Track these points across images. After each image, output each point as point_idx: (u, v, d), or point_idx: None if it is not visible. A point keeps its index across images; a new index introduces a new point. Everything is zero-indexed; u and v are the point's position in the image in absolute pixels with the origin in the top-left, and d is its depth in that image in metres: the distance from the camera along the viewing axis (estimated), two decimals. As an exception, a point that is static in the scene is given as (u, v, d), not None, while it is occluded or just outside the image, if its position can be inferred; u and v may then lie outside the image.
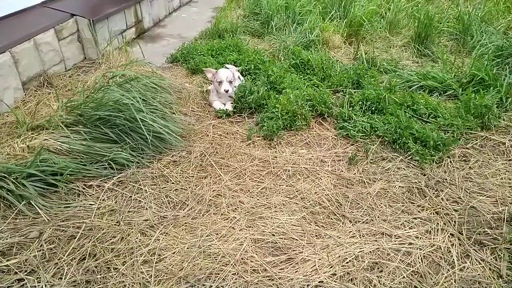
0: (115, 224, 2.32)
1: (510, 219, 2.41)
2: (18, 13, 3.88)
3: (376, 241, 2.28)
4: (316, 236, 2.31)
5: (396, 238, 2.30)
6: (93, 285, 1.96)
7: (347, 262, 2.14)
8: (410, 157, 2.96)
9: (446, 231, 2.36)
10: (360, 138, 3.17)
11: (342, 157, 3.00)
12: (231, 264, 2.10)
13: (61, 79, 3.80)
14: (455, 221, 2.42)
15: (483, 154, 3.03)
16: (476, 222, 2.41)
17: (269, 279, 2.03)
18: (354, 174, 2.82)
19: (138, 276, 2.01)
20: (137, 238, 2.24)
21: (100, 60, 4.19)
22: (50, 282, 1.96)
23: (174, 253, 2.16)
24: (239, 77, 3.75)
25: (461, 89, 3.78)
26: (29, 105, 3.31)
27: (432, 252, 2.21)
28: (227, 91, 3.43)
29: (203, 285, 1.99)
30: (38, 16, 3.96)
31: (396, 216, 2.47)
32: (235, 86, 3.56)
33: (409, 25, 5.49)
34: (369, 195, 2.63)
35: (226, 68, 3.80)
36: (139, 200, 2.52)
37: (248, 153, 3.00)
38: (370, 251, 2.21)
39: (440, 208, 2.52)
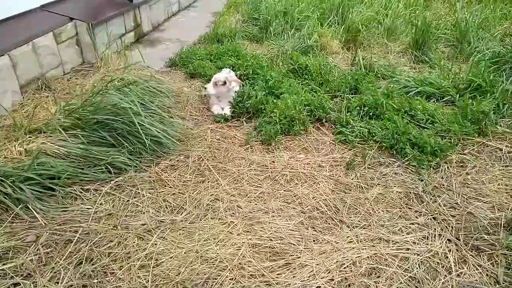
0: (112, 228, 2.31)
1: (507, 225, 2.42)
2: (17, 16, 3.88)
3: (373, 246, 2.28)
4: (313, 241, 2.31)
5: (394, 244, 2.30)
6: (89, 290, 1.95)
7: (344, 268, 2.13)
8: (408, 162, 2.97)
9: (443, 236, 2.36)
10: (358, 143, 3.18)
11: (340, 162, 3.01)
12: (229, 269, 2.09)
13: (59, 83, 3.80)
14: (452, 227, 2.42)
15: (480, 160, 3.04)
16: (473, 227, 2.41)
17: (266, 284, 2.03)
18: (352, 179, 2.83)
19: (135, 281, 2.00)
20: (134, 242, 2.23)
21: (98, 64, 4.19)
22: (47, 286, 1.95)
23: (171, 257, 2.15)
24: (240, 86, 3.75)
25: (458, 95, 3.80)
26: (27, 109, 3.31)
27: (430, 258, 2.22)
28: (205, 89, 3.52)
29: (200, 290, 1.98)
30: (37, 19, 3.97)
31: (393, 221, 2.47)
32: (235, 91, 3.57)
33: (407, 31, 5.52)
34: (366, 200, 2.63)
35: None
36: (137, 204, 2.52)
37: (246, 157, 3.00)
38: (367, 257, 2.20)
39: (437, 213, 2.53)
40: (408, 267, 2.15)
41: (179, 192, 2.64)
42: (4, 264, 2.03)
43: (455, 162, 3.00)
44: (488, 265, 2.18)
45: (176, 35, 5.57)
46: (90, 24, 4.09)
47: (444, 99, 3.86)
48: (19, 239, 2.19)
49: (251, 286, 2.01)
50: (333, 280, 2.06)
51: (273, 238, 2.31)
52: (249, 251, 2.21)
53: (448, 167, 2.94)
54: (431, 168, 2.92)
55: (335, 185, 2.77)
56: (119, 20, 4.71)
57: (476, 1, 6.58)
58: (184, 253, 2.18)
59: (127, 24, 4.93)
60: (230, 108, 3.54)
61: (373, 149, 3.11)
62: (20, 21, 3.85)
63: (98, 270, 2.05)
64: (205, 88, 3.47)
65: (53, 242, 2.19)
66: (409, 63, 4.82)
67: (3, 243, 2.15)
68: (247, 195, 2.64)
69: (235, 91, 3.57)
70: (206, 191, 2.66)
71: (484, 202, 2.63)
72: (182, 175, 2.80)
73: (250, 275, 2.07)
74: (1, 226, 2.26)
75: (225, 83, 3.49)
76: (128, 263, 2.10)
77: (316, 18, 5.54)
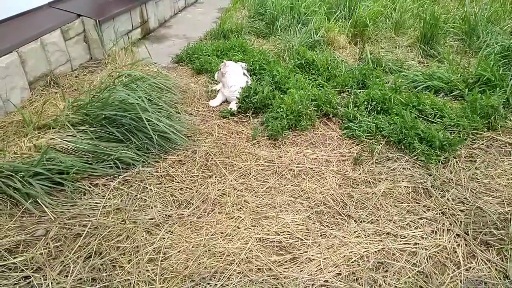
0: (120, 223, 2.33)
1: (517, 219, 2.40)
2: (25, 13, 3.91)
3: (381, 241, 2.27)
4: (321, 235, 2.31)
5: (402, 238, 2.29)
6: (98, 283, 1.97)
7: (352, 262, 2.13)
8: (416, 157, 2.95)
9: (452, 231, 2.35)
10: (366, 138, 3.16)
11: (347, 157, 3.00)
12: (236, 263, 2.10)
13: (68, 79, 3.83)
14: (461, 222, 2.41)
15: (489, 155, 3.01)
16: (482, 222, 2.39)
17: (274, 278, 2.03)
18: (359, 174, 2.82)
19: (144, 274, 2.02)
20: (142, 236, 2.25)
21: (106, 60, 4.21)
22: (56, 279, 1.97)
23: (179, 251, 2.17)
24: (244, 73, 3.77)
25: (467, 89, 3.76)
26: (35, 105, 3.34)
27: (438, 252, 2.20)
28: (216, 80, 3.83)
29: (208, 283, 1.99)
30: (44, 16, 3.99)
31: (401, 216, 2.46)
32: (240, 87, 3.57)
33: (415, 25, 5.47)
34: (374, 195, 2.62)
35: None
36: (145, 199, 2.53)
37: (253, 152, 3.00)
38: (375, 251, 2.20)
39: (446, 208, 2.51)
40: (416, 262, 2.14)
41: (186, 187, 2.65)
42: (14, 258, 2.06)
43: (464, 157, 2.97)
44: (497, 259, 2.16)
45: (183, 31, 5.58)
46: (97, 20, 4.11)
47: (453, 93, 3.82)
48: (29, 233, 2.22)
49: (258, 280, 2.01)
50: (340, 274, 2.06)
51: (280, 232, 2.31)
52: (256, 246, 2.22)
53: (457, 162, 2.92)
54: (440, 163, 2.90)
55: (342, 180, 2.77)
56: (126, 16, 4.73)
57: (485, -6, 6.49)
58: (192, 247, 2.19)
59: (134, 21, 4.94)
60: (237, 103, 3.54)
61: (381, 144, 3.10)
62: (28, 18, 3.88)
63: (107, 264, 2.07)
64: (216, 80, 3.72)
65: (62, 236, 2.21)
66: (417, 57, 4.78)
67: (14, 237, 2.18)
68: (254, 190, 2.64)
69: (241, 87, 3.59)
70: (214, 186, 2.67)
71: (493, 197, 2.60)
72: (189, 170, 2.81)
73: (258, 269, 2.08)
74: (11, 220, 2.29)
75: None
76: (137, 257, 2.11)
77: (323, 12, 5.50)
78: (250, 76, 3.92)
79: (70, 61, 4.01)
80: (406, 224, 2.40)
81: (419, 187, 2.69)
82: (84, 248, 2.15)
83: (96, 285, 1.96)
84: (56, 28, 3.78)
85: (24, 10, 3.91)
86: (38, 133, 2.84)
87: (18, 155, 2.66)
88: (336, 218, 2.45)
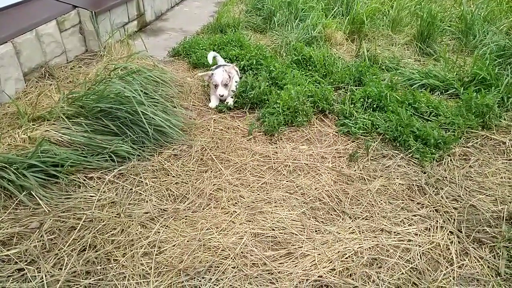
0: (115, 216, 2.33)
1: (509, 217, 2.42)
2: (20, 3, 3.87)
3: (375, 237, 2.29)
4: (315, 231, 2.32)
5: (396, 235, 2.31)
6: (93, 276, 1.97)
7: (346, 258, 2.14)
8: (411, 154, 2.97)
9: (445, 228, 2.37)
10: (361, 135, 3.17)
11: (342, 153, 3.01)
12: (231, 258, 2.11)
13: (63, 71, 3.79)
14: (454, 219, 2.43)
15: (484, 153, 3.03)
16: (476, 220, 2.42)
17: (268, 273, 2.04)
18: (355, 170, 2.83)
19: (138, 268, 2.02)
20: (137, 230, 2.24)
21: (101, 53, 4.18)
22: (50, 272, 1.96)
23: (174, 245, 2.17)
24: (237, 72, 3.74)
25: (462, 88, 3.78)
26: (30, 96, 3.31)
27: (431, 249, 2.23)
28: (222, 96, 3.43)
29: (203, 277, 2.00)
30: (40, 7, 3.94)
31: (395, 213, 2.48)
32: (236, 81, 3.56)
33: (412, 23, 5.47)
34: (369, 191, 2.64)
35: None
36: (140, 193, 2.53)
37: (249, 148, 3.00)
38: (369, 247, 2.22)
39: (439, 206, 2.53)
40: (410, 258, 2.16)
41: (182, 181, 2.65)
42: (8, 250, 2.05)
43: (458, 155, 2.99)
44: (489, 257, 2.19)
45: (179, 24, 5.54)
46: (93, 12, 4.07)
47: (448, 92, 3.84)
48: (23, 226, 2.21)
49: (253, 275, 2.02)
50: (334, 270, 2.07)
51: (275, 228, 2.32)
52: (251, 240, 2.22)
53: (451, 160, 2.94)
54: (434, 161, 2.92)
55: (337, 176, 2.78)
56: (122, 8, 4.68)
57: (482, -6, 6.51)
58: (187, 241, 2.20)
59: (130, 13, 4.90)
60: (232, 97, 3.53)
61: (376, 141, 3.11)
62: (23, 8, 3.83)
63: (102, 257, 2.07)
64: (221, 95, 3.42)
65: (56, 229, 2.20)
66: (414, 55, 4.78)
67: (7, 229, 2.17)
68: (249, 185, 2.65)
69: (236, 81, 3.58)
70: (209, 180, 2.66)
71: (486, 195, 2.63)
72: (185, 164, 2.80)
73: (252, 263, 2.09)
74: (5, 212, 2.27)
75: (229, 77, 3.49)
76: (131, 251, 2.11)
77: (321, 9, 5.49)
78: (245, 72, 3.90)
79: (65, 53, 3.98)
80: (400, 221, 2.42)
81: (413, 185, 2.71)
82: (78, 241, 2.14)
83: (90, 278, 1.96)
84: (51, 19, 3.73)
85: (19, 0, 3.85)
86: (33, 125, 2.82)
87: (13, 147, 2.64)
88: (331, 214, 2.46)
